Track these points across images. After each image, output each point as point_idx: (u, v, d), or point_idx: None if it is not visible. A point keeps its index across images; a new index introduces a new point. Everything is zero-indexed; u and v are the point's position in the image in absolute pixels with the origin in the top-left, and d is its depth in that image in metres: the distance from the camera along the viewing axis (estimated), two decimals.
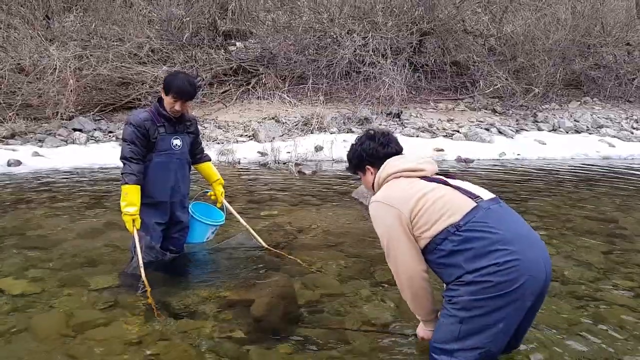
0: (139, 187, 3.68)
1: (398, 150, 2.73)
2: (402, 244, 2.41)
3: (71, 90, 9.50)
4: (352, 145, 2.82)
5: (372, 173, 2.71)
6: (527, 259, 2.25)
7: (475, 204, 2.36)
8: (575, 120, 11.86)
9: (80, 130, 9.50)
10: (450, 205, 2.36)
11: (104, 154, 8.39)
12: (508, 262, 2.22)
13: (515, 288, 2.22)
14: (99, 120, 10.19)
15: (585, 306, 3.56)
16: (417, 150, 9.41)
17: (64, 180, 7.19)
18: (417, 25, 12.45)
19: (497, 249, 2.25)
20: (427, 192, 2.42)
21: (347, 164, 2.90)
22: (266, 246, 4.49)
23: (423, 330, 2.62)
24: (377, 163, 2.67)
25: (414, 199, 2.40)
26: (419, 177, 2.52)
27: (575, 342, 3.07)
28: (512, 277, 2.22)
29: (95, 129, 9.68)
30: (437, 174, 2.61)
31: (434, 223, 2.35)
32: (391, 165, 2.60)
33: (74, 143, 9.05)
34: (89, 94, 10.30)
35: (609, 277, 4.08)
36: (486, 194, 2.48)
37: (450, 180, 2.53)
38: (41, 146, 8.70)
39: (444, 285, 2.52)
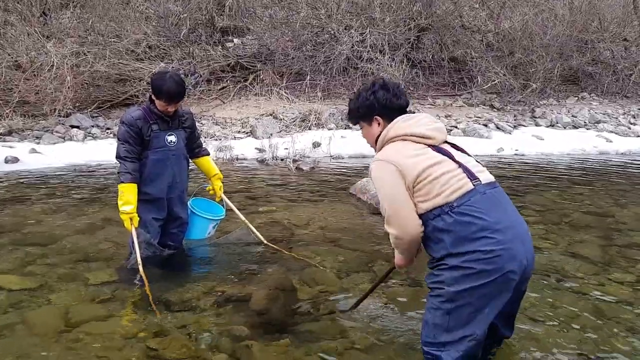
0: (135, 185, 3.68)
1: (407, 103, 2.64)
2: (405, 204, 2.37)
3: (68, 87, 9.47)
4: (362, 93, 2.63)
5: (379, 124, 2.59)
6: (510, 249, 2.28)
7: (473, 187, 2.36)
8: (572, 116, 11.86)
9: (77, 127, 9.47)
10: (451, 184, 2.34)
11: (102, 151, 8.36)
12: (492, 251, 2.25)
13: (499, 277, 2.26)
14: (96, 117, 10.15)
15: (582, 300, 3.57)
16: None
17: (62, 176, 7.18)
18: (414, 21, 12.42)
19: (485, 236, 2.26)
20: (434, 163, 2.37)
21: (348, 114, 2.75)
22: (265, 241, 4.49)
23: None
24: (388, 115, 2.55)
25: (420, 167, 2.35)
26: (427, 145, 2.46)
27: (572, 336, 3.08)
28: (495, 267, 2.25)
29: (92, 126, 9.65)
30: (447, 142, 2.55)
31: (433, 197, 2.33)
32: (401, 126, 2.49)
33: (71, 140, 9.02)
34: (86, 91, 10.26)
35: (607, 271, 4.09)
36: (485, 177, 2.45)
37: (456, 154, 2.48)
38: (38, 143, 8.67)
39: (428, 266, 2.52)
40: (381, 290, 3.63)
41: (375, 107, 2.57)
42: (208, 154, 4.33)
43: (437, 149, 2.46)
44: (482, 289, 2.28)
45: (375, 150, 2.60)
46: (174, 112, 3.78)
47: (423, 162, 2.37)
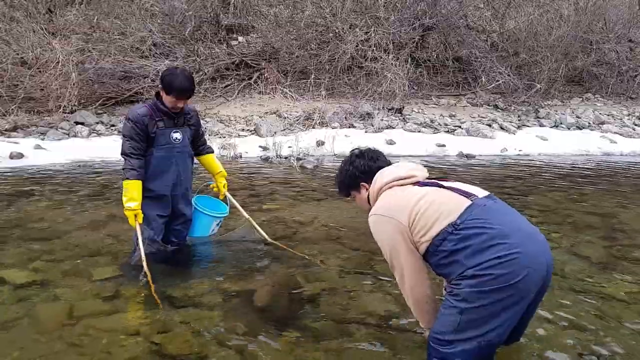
0: (140, 182, 3.69)
1: (388, 163, 2.77)
2: (403, 254, 2.46)
3: (73, 84, 9.51)
4: (342, 167, 2.85)
5: (367, 189, 2.74)
6: (528, 251, 2.27)
7: (471, 202, 2.40)
8: (577, 117, 11.85)
9: (82, 123, 9.52)
10: (445, 206, 2.40)
11: (106, 148, 8.40)
12: (508, 254, 2.25)
13: (517, 281, 2.24)
14: (100, 114, 10.20)
15: (585, 300, 3.57)
16: (416, 145, 9.43)
17: (66, 173, 7.22)
18: (419, 20, 12.43)
19: (497, 243, 2.27)
20: (422, 196, 2.45)
21: (338, 189, 2.91)
22: (268, 239, 4.50)
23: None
24: (371, 178, 2.70)
25: (409, 206, 2.44)
26: (411, 184, 2.56)
27: (575, 336, 3.08)
28: (513, 270, 2.24)
29: (97, 123, 9.70)
30: (428, 178, 2.65)
31: (432, 225, 2.38)
32: (382, 176, 2.64)
33: (76, 136, 9.07)
34: (91, 88, 10.31)
35: (609, 272, 4.09)
36: (480, 192, 2.51)
37: (443, 182, 2.57)
38: (43, 139, 8.72)
39: (444, 282, 2.56)
40: (386, 289, 3.65)
41: (357, 175, 2.77)
42: (212, 152, 4.34)
43: (421, 184, 2.56)
44: (500, 293, 2.26)
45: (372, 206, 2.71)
46: (180, 110, 3.79)
47: (410, 199, 2.46)
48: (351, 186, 2.81)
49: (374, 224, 2.56)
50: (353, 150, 2.89)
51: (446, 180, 2.63)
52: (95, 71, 10.23)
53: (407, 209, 2.43)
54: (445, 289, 2.51)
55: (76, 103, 9.72)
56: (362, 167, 2.74)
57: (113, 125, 9.69)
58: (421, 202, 2.43)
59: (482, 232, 2.30)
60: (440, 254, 2.39)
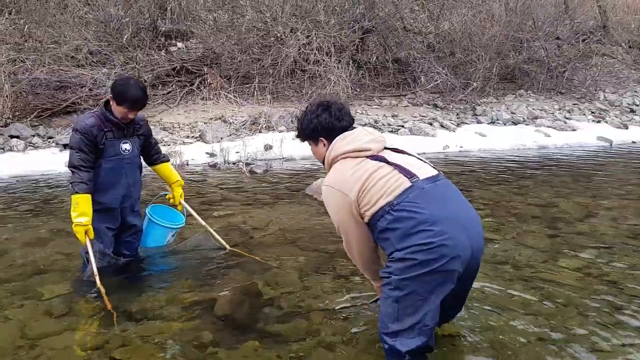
0: (89, 196, 3.58)
1: (351, 123, 2.79)
2: (350, 226, 2.59)
3: (6, 96, 9.09)
4: (306, 114, 2.80)
5: (324, 145, 2.76)
6: (454, 238, 2.41)
7: (410, 184, 2.50)
8: (512, 113, 12.31)
9: (17, 137, 9.06)
10: (389, 185, 2.50)
11: (45, 161, 8.07)
12: (434, 242, 2.38)
13: (440, 265, 2.39)
14: (36, 126, 9.76)
15: (534, 287, 3.74)
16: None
17: (4, 189, 6.88)
18: (358, 23, 12.61)
19: (424, 229, 2.40)
20: (372, 172, 2.54)
21: (297, 132, 2.90)
22: (227, 247, 4.44)
23: (379, 291, 2.80)
24: (332, 136, 2.72)
25: (360, 181, 2.52)
26: (366, 157, 2.62)
27: (526, 323, 3.23)
28: (436, 256, 2.38)
29: (33, 135, 9.27)
30: (386, 148, 2.71)
31: (375, 202, 2.49)
32: (339, 145, 2.67)
33: (11, 150, 8.64)
34: (25, 99, 9.87)
35: (555, 259, 4.30)
36: (424, 172, 2.59)
37: (393, 156, 2.64)
38: None
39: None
40: (347, 288, 3.70)
41: (319, 129, 2.75)
42: (168, 160, 4.24)
43: (374, 157, 2.62)
44: (426, 277, 2.41)
45: (325, 169, 2.78)
46: (130, 120, 3.70)
47: (362, 175, 2.54)
48: (309, 137, 2.82)
49: (326, 194, 2.64)
50: (322, 100, 2.85)
51: (398, 152, 2.70)
52: (29, 82, 9.79)
53: (358, 184, 2.51)
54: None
55: (10, 116, 9.27)
56: (326, 124, 2.72)
57: (50, 138, 9.29)
58: (370, 178, 2.52)
59: (412, 216, 2.42)
60: (377, 228, 2.52)
